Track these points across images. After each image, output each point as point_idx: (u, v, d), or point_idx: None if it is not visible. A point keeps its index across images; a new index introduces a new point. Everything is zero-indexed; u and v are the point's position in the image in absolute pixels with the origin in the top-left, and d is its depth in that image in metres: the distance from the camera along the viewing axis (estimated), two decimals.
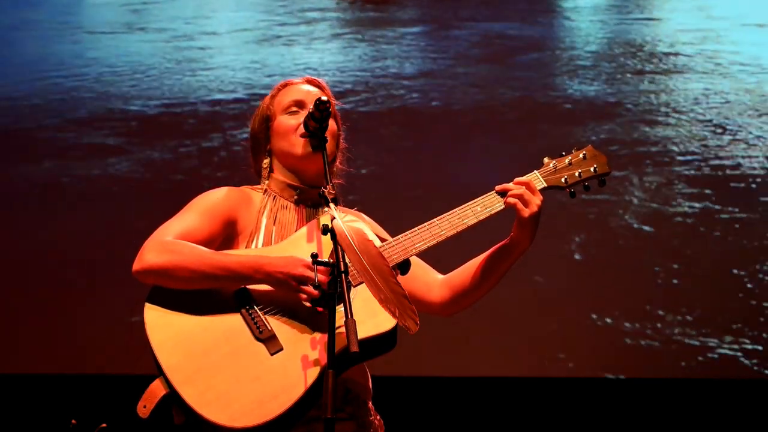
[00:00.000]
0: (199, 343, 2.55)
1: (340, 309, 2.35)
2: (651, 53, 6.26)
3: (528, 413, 5.56)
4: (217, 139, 6.12)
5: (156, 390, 2.52)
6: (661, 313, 5.66)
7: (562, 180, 2.92)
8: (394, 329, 2.59)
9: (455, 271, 2.97)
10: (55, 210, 5.98)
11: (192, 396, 2.47)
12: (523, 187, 2.81)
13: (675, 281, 5.69)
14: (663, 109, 6.02)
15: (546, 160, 2.95)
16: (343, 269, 2.38)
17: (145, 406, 2.52)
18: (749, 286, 5.62)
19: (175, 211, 2.83)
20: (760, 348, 5.54)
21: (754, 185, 5.81)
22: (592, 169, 2.95)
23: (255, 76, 6.35)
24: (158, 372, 2.53)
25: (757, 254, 5.69)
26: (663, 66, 6.18)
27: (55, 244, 5.87)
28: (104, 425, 3.41)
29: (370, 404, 2.82)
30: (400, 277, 2.51)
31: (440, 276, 2.99)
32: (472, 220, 2.82)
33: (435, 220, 2.81)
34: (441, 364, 5.55)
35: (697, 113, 6.00)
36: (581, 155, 2.97)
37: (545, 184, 2.89)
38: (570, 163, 2.95)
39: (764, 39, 6.15)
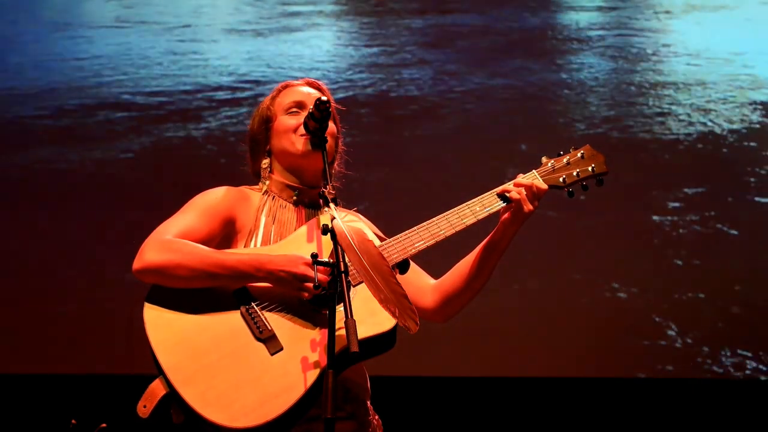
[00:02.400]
0: (199, 343, 2.55)
1: (339, 309, 2.36)
2: (571, 38, 6.42)
3: (528, 413, 5.56)
4: (211, 128, 6.16)
5: (156, 390, 2.52)
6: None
7: (560, 180, 2.92)
8: (394, 329, 2.59)
9: (445, 275, 2.98)
10: (54, 206, 5.97)
11: (192, 396, 2.47)
12: (532, 185, 2.83)
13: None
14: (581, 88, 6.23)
15: (544, 159, 2.95)
16: (343, 269, 2.39)
17: (145, 406, 2.52)
18: None
19: (172, 201, 2.84)
20: None
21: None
22: (590, 168, 2.96)
23: (244, 67, 6.39)
24: (158, 372, 2.53)
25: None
26: (578, 47, 6.40)
27: (54, 241, 5.87)
28: (104, 425, 3.41)
29: (369, 404, 2.83)
30: (398, 277, 2.52)
31: (433, 281, 3.00)
32: (470, 220, 2.83)
33: (434, 219, 2.82)
34: (440, 364, 5.56)
35: (606, 93, 6.21)
36: (579, 155, 2.98)
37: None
38: (568, 163, 2.95)
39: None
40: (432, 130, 6.17)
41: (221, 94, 6.29)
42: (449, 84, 6.30)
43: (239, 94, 6.28)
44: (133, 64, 6.41)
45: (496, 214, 2.86)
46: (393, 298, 2.39)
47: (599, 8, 6.59)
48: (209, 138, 6.14)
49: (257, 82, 6.32)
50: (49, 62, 6.45)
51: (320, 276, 2.49)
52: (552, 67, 6.34)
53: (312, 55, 6.48)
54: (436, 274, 3.01)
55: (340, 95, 5.95)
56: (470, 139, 6.09)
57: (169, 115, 6.22)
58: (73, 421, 3.59)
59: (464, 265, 2.93)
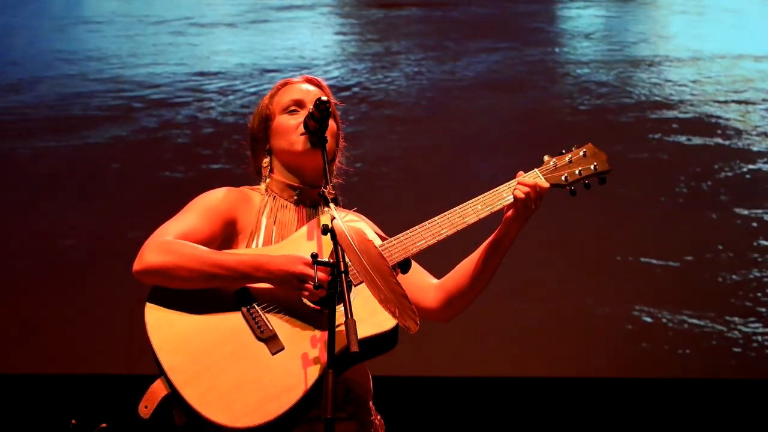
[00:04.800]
0: (201, 344, 2.55)
1: (340, 308, 2.35)
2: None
3: (528, 413, 5.56)
4: (207, 119, 6.20)
5: (157, 390, 2.52)
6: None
7: (563, 178, 2.91)
8: (395, 329, 2.59)
9: (448, 274, 2.97)
10: (52, 202, 5.96)
11: (193, 396, 2.47)
12: (535, 185, 2.82)
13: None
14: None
15: (546, 158, 2.94)
16: (343, 269, 2.38)
17: (146, 407, 2.52)
18: None
19: (170, 197, 2.83)
20: None
21: None
22: (592, 167, 2.95)
23: (236, 59, 6.43)
24: (159, 372, 2.53)
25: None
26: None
27: (54, 241, 5.86)
28: (104, 425, 3.40)
29: (371, 404, 2.82)
30: (399, 278, 2.51)
31: (435, 280, 2.99)
32: (472, 219, 2.82)
33: (436, 218, 2.81)
34: (441, 364, 5.55)
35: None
36: (581, 153, 2.97)
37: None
38: (570, 161, 2.94)
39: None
40: (420, 123, 6.20)
41: (213, 86, 6.32)
42: (436, 75, 6.34)
43: (217, 84, 6.33)
44: (130, 56, 6.43)
45: (499, 212, 2.85)
46: (393, 298, 2.39)
47: None
48: (204, 129, 6.17)
49: (253, 73, 6.36)
50: (45, 55, 6.47)
51: (320, 276, 2.49)
52: (530, 53, 6.43)
53: (305, 46, 6.52)
54: (438, 273, 3.00)
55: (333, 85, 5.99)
56: (457, 134, 6.12)
57: (163, 106, 6.25)
58: (73, 421, 3.58)
59: (467, 264, 2.92)
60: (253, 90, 6.28)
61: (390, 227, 2.89)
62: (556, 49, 6.43)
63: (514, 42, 6.45)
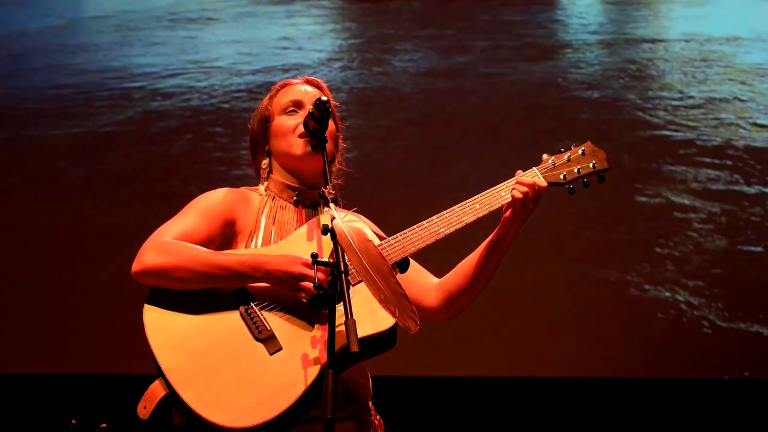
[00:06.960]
0: (199, 344, 2.55)
1: (339, 308, 2.35)
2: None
3: (527, 413, 5.56)
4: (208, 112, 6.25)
5: (156, 391, 2.52)
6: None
7: (561, 177, 2.91)
8: (394, 328, 2.58)
9: (448, 274, 2.96)
10: (52, 201, 5.97)
11: (192, 397, 2.47)
12: (534, 184, 2.81)
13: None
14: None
15: (545, 156, 2.94)
16: (343, 269, 2.38)
17: (145, 407, 2.52)
18: None
19: (173, 202, 2.83)
20: None
21: None
22: (590, 165, 2.95)
23: (226, 51, 6.48)
24: (158, 373, 2.53)
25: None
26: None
27: (55, 241, 5.87)
28: (104, 425, 3.41)
29: (370, 404, 2.82)
30: (399, 278, 2.50)
31: (436, 280, 2.98)
32: (470, 218, 2.81)
33: (434, 217, 2.81)
34: (441, 364, 5.55)
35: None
36: (580, 151, 2.96)
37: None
38: (569, 160, 2.94)
39: None
40: (416, 119, 6.23)
41: (201, 79, 6.37)
42: (431, 67, 6.36)
43: (206, 76, 6.38)
44: (120, 48, 6.47)
45: (498, 211, 2.85)
46: (393, 298, 2.39)
47: None
48: (194, 120, 6.22)
49: (241, 67, 6.40)
50: (36, 48, 6.51)
51: (319, 276, 2.49)
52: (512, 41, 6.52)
53: (293, 40, 6.56)
54: (438, 273, 3.00)
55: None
56: (452, 130, 6.14)
57: (154, 99, 6.27)
58: (73, 421, 3.59)
59: (467, 264, 2.92)
60: (240, 82, 6.32)
61: (388, 227, 2.89)
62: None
63: (497, 33, 6.52)
